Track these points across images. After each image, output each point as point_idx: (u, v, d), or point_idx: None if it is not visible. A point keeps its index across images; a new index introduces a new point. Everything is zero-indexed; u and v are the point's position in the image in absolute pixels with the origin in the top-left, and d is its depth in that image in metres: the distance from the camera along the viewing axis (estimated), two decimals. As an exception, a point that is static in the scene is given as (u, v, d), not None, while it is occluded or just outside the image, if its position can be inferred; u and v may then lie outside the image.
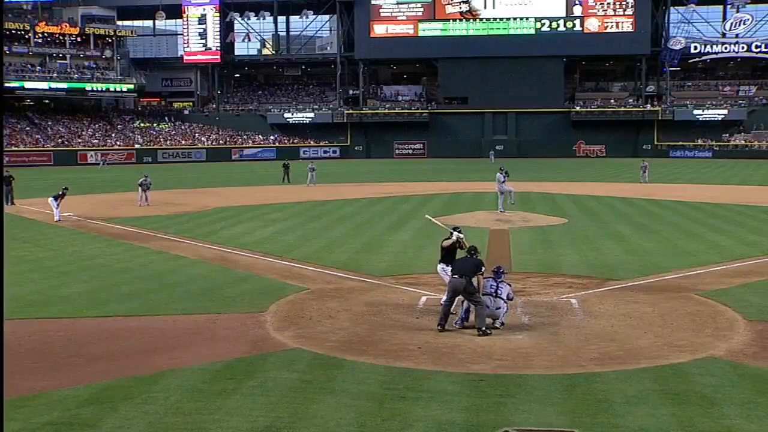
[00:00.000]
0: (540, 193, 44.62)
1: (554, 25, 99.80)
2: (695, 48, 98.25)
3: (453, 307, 14.72)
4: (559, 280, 19.17)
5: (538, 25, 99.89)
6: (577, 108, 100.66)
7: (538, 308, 16.13)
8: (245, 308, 16.26)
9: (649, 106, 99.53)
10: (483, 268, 14.54)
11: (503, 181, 35.07)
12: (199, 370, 11.96)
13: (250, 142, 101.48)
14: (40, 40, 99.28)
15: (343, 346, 13.31)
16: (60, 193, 33.96)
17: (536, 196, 42.29)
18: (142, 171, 43.66)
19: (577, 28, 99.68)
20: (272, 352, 13.08)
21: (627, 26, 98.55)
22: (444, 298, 14.81)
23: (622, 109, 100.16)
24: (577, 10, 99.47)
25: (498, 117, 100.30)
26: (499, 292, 14.67)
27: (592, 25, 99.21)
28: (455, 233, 16.21)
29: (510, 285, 15.16)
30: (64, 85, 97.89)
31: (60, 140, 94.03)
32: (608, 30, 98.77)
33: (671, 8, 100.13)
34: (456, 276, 14.38)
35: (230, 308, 16.33)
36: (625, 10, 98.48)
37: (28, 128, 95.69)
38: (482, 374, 11.73)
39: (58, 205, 33.32)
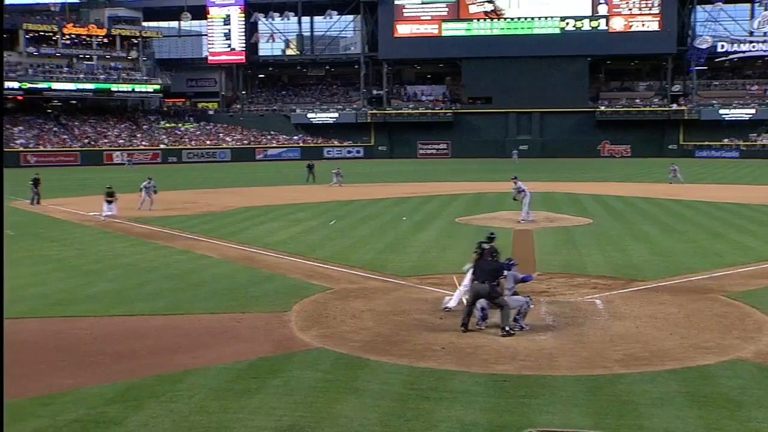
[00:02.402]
0: (564, 193, 44.38)
1: (579, 24, 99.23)
2: (722, 47, 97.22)
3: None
4: (583, 281, 19.05)
5: (563, 24, 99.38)
6: (602, 108, 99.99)
7: (563, 309, 16.03)
8: (269, 308, 16.31)
9: (675, 105, 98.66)
10: (505, 272, 14.48)
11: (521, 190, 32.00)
12: (224, 369, 12.01)
13: (274, 142, 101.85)
14: (67, 42, 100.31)
15: (367, 346, 13.31)
16: (107, 193, 34.13)
17: (560, 197, 42.07)
18: (147, 174, 43.11)
19: (602, 27, 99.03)
20: (296, 351, 13.11)
21: (653, 25, 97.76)
22: (464, 297, 14.76)
23: (648, 108, 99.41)
24: (603, 9, 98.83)
25: (522, 117, 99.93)
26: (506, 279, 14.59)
27: (618, 24, 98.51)
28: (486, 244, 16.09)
29: (516, 274, 14.99)
30: (90, 86, 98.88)
31: (86, 140, 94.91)
32: (634, 29, 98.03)
33: (698, 6, 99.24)
34: (478, 281, 14.29)
35: (254, 308, 16.39)
36: (651, 9, 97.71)
37: (55, 129, 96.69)
38: (506, 375, 11.69)
39: (109, 204, 33.68)
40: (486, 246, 15.96)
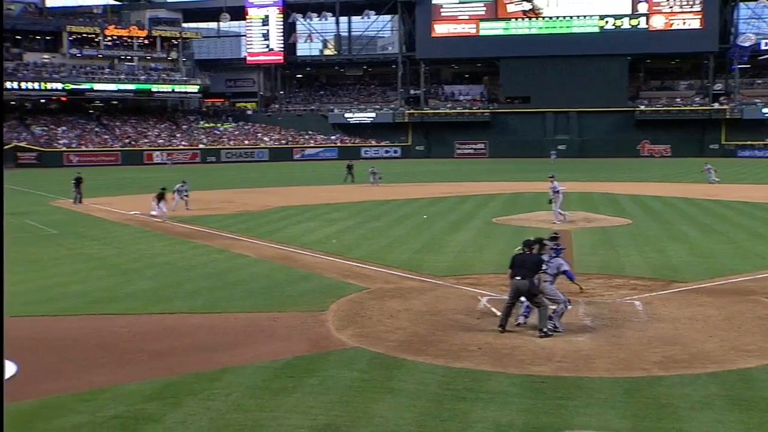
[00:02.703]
0: (602, 193, 43.97)
1: (618, 23, 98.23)
2: (766, 44, 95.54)
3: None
4: (622, 282, 18.85)
5: (602, 23, 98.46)
6: (642, 107, 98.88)
7: (601, 310, 15.88)
8: (306, 307, 16.37)
9: (716, 104, 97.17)
10: (544, 266, 14.35)
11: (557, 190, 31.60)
12: (260, 368, 12.08)
13: (312, 142, 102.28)
14: (109, 43, 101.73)
15: (403, 346, 13.30)
16: (158, 193, 33.93)
17: (598, 197, 41.69)
18: (184, 175, 43.20)
19: (642, 25, 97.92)
20: (332, 350, 13.14)
21: (694, 23, 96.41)
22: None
23: (689, 108, 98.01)
24: (642, 8, 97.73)
25: (560, 116, 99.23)
26: (547, 267, 14.39)
27: (658, 22, 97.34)
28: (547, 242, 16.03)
29: (566, 262, 14.88)
30: (131, 87, 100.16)
31: (127, 140, 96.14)
32: (674, 27, 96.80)
33: (740, 4, 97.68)
34: (518, 278, 14.20)
35: (291, 307, 16.45)
36: (692, 7, 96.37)
37: (97, 129, 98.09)
38: (543, 376, 11.60)
39: (158, 204, 33.50)
40: (550, 243, 15.93)
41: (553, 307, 14.30)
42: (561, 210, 30.94)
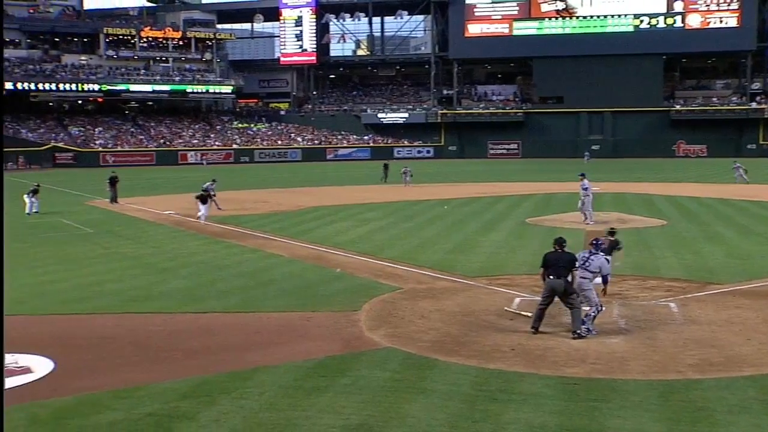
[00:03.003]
0: (636, 194, 43.54)
1: (653, 21, 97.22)
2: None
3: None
4: (656, 284, 18.65)
5: (637, 22, 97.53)
6: (677, 107, 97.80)
7: (635, 312, 15.72)
8: (338, 307, 16.40)
9: (754, 104, 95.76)
10: (578, 264, 14.24)
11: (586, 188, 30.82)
12: (293, 367, 12.13)
13: (345, 142, 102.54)
14: (144, 45, 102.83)
15: (435, 346, 13.28)
16: (202, 194, 33.35)
17: (633, 197, 41.29)
18: (215, 175, 42.66)
19: (678, 24, 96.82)
20: (365, 350, 13.15)
21: (731, 21, 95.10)
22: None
23: (725, 107, 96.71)
24: (678, 6, 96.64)
25: (594, 116, 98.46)
26: (587, 264, 14.27)
27: (694, 21, 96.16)
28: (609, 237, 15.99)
29: (607, 259, 14.82)
30: (166, 88, 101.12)
31: (162, 140, 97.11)
32: (711, 26, 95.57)
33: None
34: (553, 277, 14.08)
35: (324, 306, 16.50)
36: (729, 5, 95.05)
37: (132, 129, 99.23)
38: (576, 378, 11.51)
39: (205, 205, 32.80)
40: (611, 239, 15.91)
41: (586, 308, 14.18)
42: (588, 210, 30.49)
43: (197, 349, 13.29)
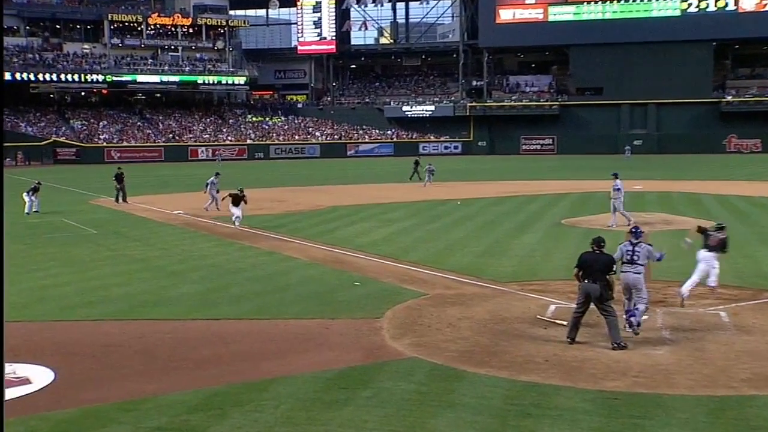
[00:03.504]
0: (683, 192, 43.24)
1: (703, 5, 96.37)
2: None
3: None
4: (705, 290, 18.47)
5: (684, 5, 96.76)
6: (729, 98, 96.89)
7: (681, 321, 15.62)
8: (359, 314, 16.44)
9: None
10: (615, 267, 14.14)
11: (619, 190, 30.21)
12: (311, 378, 12.17)
13: (367, 137, 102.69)
14: (152, 32, 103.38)
15: (464, 357, 13.27)
16: (235, 193, 31.35)
17: (678, 197, 41.02)
18: (224, 171, 41.75)
19: (730, 7, 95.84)
20: (388, 360, 13.17)
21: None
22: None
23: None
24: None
25: (636, 109, 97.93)
26: (635, 257, 14.30)
27: (748, 3, 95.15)
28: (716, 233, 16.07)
29: (650, 245, 14.85)
30: (175, 78, 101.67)
31: (171, 135, 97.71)
32: None
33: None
34: (588, 281, 13.95)
35: (344, 313, 16.54)
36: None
37: (139, 123, 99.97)
38: (617, 392, 11.46)
39: (238, 207, 30.86)
40: (719, 235, 15.93)
41: (642, 306, 14.19)
42: (624, 212, 30.10)
43: (209, 359, 13.37)
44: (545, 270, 21.36)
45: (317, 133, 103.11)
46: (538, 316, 15.90)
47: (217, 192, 36.71)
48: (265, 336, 14.89)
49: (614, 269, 14.09)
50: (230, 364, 13.03)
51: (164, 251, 25.78)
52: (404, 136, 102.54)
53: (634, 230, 15.05)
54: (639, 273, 14.43)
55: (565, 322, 14.85)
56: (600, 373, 12.36)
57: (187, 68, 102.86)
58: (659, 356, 13.31)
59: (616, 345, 13.60)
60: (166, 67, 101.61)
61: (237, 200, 30.95)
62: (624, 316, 14.62)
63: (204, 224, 32.66)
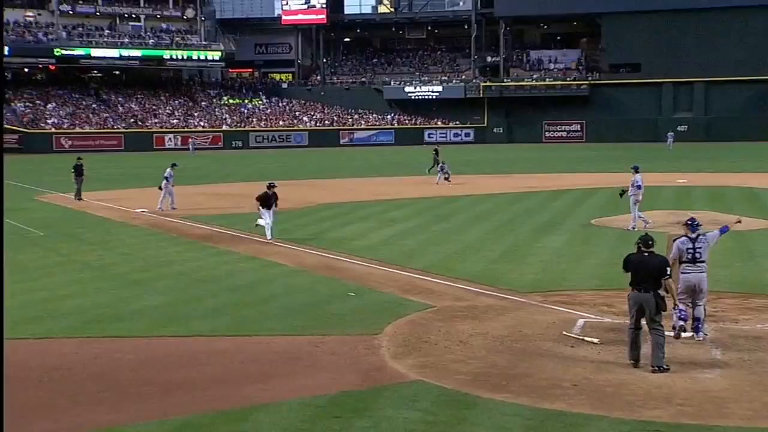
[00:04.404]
0: (737, 187, 43.28)
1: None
2: None
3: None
4: (763, 303, 18.53)
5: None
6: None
7: (735, 339, 15.62)
8: (355, 329, 16.45)
9: None
10: (669, 270, 13.93)
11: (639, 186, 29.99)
12: (298, 405, 12.17)
13: (363, 123, 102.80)
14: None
15: (478, 380, 13.28)
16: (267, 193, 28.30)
17: (733, 192, 41.07)
18: (170, 161, 40.71)
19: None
20: (388, 384, 13.17)
21: None
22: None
23: None
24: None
25: (681, 89, 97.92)
26: (698, 254, 14.49)
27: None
28: None
29: (711, 233, 15.19)
30: (137, 53, 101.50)
31: (132, 120, 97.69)
32: None
33: None
34: (639, 290, 13.72)
35: (337, 329, 16.55)
36: None
37: (95, 105, 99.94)
38: (659, 422, 11.46)
39: (269, 210, 27.97)
40: None
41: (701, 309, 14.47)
42: (640, 212, 29.90)
43: (178, 383, 13.36)
44: (573, 278, 21.37)
45: (305, 118, 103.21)
46: (565, 333, 15.91)
47: (173, 186, 36.81)
48: (245, 356, 14.89)
49: (669, 273, 13.89)
50: (203, 390, 13.03)
51: (125, 256, 25.77)
52: (407, 121, 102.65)
53: (690, 222, 15.13)
54: (704, 272, 14.66)
55: (596, 340, 14.85)
56: (638, 401, 12.36)
57: (151, 41, 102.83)
58: (709, 381, 13.32)
59: (656, 368, 13.57)
60: (126, 40, 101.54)
61: (266, 200, 27.99)
62: (676, 323, 14.81)
63: (172, 224, 32.67)
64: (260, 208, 28.01)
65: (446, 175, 50.25)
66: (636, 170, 30.49)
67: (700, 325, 15.10)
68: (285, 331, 16.52)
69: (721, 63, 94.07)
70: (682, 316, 14.77)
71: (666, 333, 14.17)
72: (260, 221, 28.00)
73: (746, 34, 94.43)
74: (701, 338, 15.08)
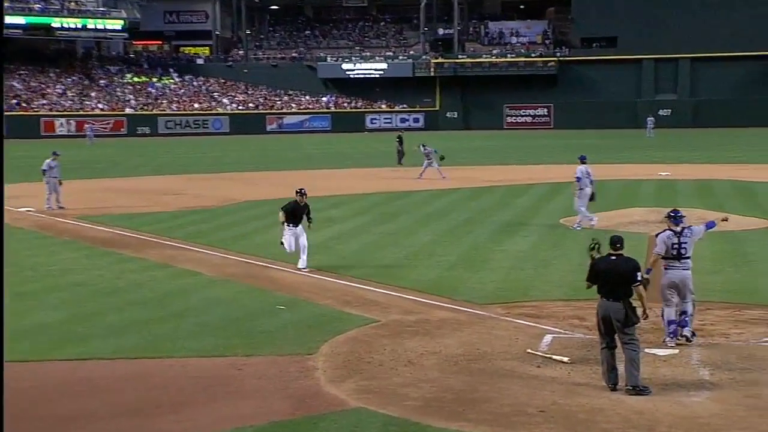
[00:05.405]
0: (729, 180, 43.83)
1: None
2: None
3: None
4: (758, 314, 18.79)
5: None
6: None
7: (727, 356, 15.82)
8: (286, 348, 16.42)
9: None
10: (640, 275, 13.95)
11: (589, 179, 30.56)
12: (219, 439, 12.17)
13: (294, 106, 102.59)
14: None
15: (430, 407, 13.34)
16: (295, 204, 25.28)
17: (724, 186, 41.57)
18: (51, 151, 40.97)
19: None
20: (325, 413, 13.18)
21: None
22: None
23: None
24: None
25: (664, 66, 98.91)
26: (683, 250, 14.73)
27: None
28: None
29: (697, 227, 15.47)
30: (20, 20, 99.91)
31: (14, 101, 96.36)
32: None
33: None
34: (607, 298, 13.83)
35: (264, 348, 16.52)
36: None
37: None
38: (639, 453, 11.63)
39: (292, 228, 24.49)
40: None
41: (691, 308, 14.51)
42: (584, 209, 30.05)
43: (76, 415, 13.27)
44: (539, 287, 21.52)
45: (225, 100, 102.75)
46: (530, 351, 16.03)
47: (60, 183, 36.57)
48: (156, 381, 14.82)
49: (640, 278, 13.95)
50: (107, 422, 12.95)
51: (9, 265, 25.42)
52: (345, 104, 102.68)
53: (673, 214, 15.37)
54: (688, 269, 14.85)
55: (566, 359, 15.00)
56: (616, 429, 12.47)
57: (38, 6, 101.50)
58: (698, 405, 13.46)
59: (633, 389, 13.66)
60: (7, 4, 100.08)
61: (296, 214, 24.63)
62: (668, 327, 15.12)
63: (65, 226, 32.37)
64: (285, 223, 24.41)
65: (430, 163, 48.64)
66: (582, 160, 30.66)
67: (687, 319, 15.26)
68: (203, 351, 16.45)
69: (710, 38, 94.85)
70: (682, 323, 15.03)
71: (671, 344, 14.44)
72: (284, 240, 24.24)
73: (738, 5, 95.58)
74: (688, 334, 15.31)
